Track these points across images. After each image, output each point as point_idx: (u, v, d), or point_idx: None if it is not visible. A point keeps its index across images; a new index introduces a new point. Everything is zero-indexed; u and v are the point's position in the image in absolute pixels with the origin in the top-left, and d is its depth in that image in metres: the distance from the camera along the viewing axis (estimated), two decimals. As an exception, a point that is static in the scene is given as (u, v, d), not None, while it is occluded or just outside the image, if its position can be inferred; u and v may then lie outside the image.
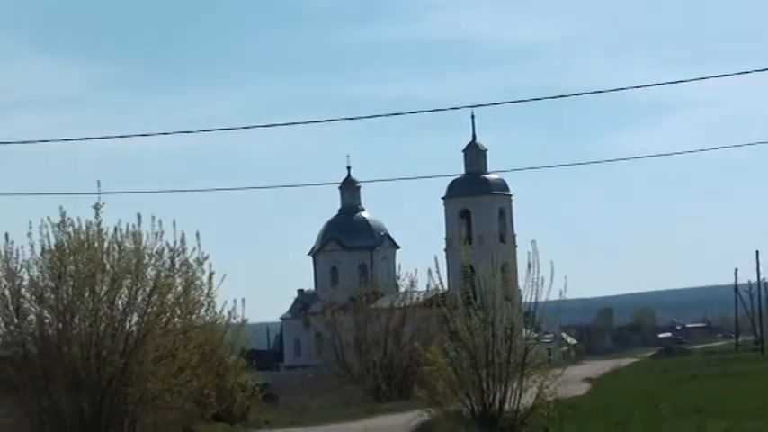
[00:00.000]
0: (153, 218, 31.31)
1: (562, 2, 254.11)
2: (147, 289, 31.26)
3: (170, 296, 31.87)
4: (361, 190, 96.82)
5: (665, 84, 43.66)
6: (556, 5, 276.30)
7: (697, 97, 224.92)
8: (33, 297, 31.16)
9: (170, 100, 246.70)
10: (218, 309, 35.85)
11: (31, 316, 31.34)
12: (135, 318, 31.31)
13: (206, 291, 33.30)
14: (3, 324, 31.25)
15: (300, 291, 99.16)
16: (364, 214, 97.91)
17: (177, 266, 31.85)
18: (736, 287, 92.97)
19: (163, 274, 31.48)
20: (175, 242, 31.86)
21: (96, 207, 31.34)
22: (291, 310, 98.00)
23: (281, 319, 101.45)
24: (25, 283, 31.06)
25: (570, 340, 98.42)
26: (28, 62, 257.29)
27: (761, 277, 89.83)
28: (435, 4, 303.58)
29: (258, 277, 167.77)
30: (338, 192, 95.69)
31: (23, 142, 44.91)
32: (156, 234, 31.27)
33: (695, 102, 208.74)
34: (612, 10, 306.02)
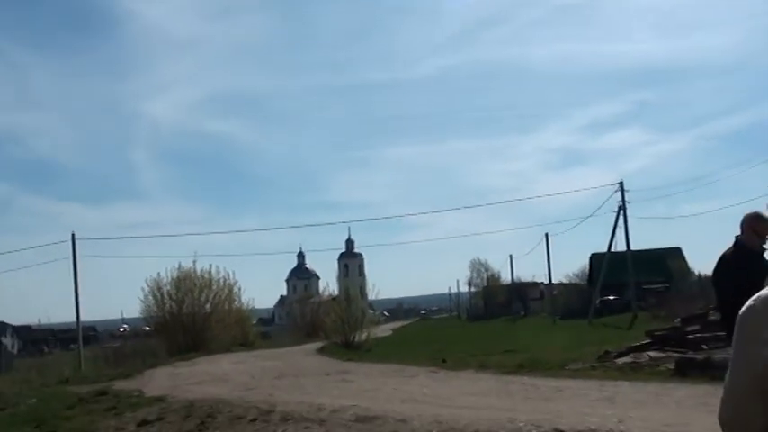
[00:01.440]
0: (217, 266, 46.37)
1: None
2: (213, 293, 46.06)
3: (222, 296, 46.51)
4: (306, 256, 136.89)
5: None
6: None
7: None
8: (168, 297, 45.27)
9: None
10: (243, 301, 49.51)
11: (167, 305, 45.15)
12: (208, 305, 45.48)
13: (238, 294, 47.93)
14: (156, 308, 45.45)
15: (282, 295, 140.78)
16: (307, 265, 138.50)
17: (226, 284, 46.69)
18: (450, 294, 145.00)
19: (219, 287, 46.39)
20: (225, 275, 46.71)
21: (194, 261, 45.80)
22: (278, 303, 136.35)
23: (273, 306, 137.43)
24: (164, 291, 45.37)
25: (386, 314, 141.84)
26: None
27: (459, 288, 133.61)
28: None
29: (264, 290, 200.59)
30: (296, 257, 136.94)
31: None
32: (218, 272, 46.21)
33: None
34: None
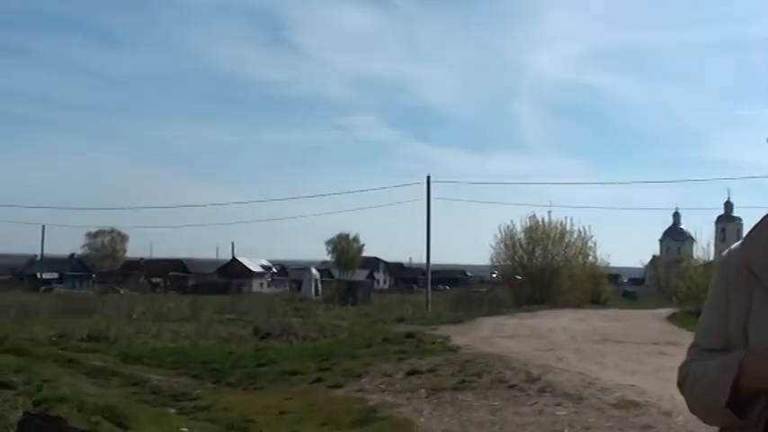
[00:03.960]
0: (571, 219, 45.22)
1: None
2: (564, 246, 45.24)
3: (576, 250, 45.63)
4: (682, 216, 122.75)
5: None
6: None
7: None
8: (519, 246, 45.16)
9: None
10: (598, 257, 47.96)
11: (518, 255, 45.15)
12: (559, 258, 44.70)
13: (593, 249, 46.82)
14: (506, 257, 45.67)
15: (654, 255, 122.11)
16: (682, 226, 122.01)
17: (580, 238, 45.70)
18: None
19: (572, 240, 45.51)
20: (581, 229, 45.73)
21: (549, 212, 45.76)
22: (650, 263, 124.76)
23: (644, 266, 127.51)
24: (516, 240, 45.30)
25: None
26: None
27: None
28: None
29: (637, 248, 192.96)
30: (671, 217, 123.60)
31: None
32: (572, 224, 45.33)
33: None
34: None
